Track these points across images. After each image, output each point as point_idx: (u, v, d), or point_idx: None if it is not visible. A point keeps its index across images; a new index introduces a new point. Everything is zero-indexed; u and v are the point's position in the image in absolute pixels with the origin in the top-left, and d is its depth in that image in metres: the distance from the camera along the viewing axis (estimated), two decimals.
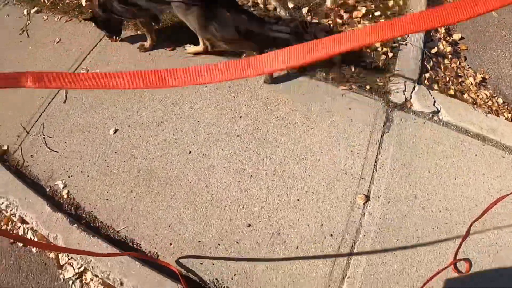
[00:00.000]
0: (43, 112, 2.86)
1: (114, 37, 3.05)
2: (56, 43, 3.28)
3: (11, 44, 3.38)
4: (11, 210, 2.54)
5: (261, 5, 3.07)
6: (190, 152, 2.46)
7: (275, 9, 2.99)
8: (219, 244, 2.14)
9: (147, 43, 2.93)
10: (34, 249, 2.55)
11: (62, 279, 2.39)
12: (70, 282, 2.40)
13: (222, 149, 2.43)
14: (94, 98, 2.80)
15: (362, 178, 2.26)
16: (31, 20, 3.57)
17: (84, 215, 2.39)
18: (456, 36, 3.00)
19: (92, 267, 2.18)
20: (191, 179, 2.34)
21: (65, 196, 2.47)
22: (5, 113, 2.94)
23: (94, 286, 2.33)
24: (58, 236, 2.29)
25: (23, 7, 3.70)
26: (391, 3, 2.99)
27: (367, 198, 2.19)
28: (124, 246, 2.24)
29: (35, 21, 3.55)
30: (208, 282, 2.05)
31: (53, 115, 2.81)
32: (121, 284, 2.10)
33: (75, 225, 2.31)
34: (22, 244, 2.59)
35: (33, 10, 3.66)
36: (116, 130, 2.63)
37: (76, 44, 3.19)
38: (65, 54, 3.14)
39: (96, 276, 2.29)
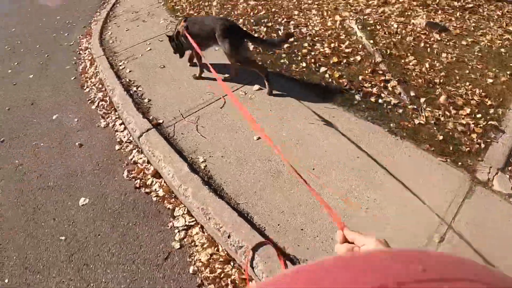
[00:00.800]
0: (201, 109, 3.67)
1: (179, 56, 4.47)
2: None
3: (181, 60, 4.74)
4: (146, 164, 3.46)
5: (390, 88, 3.89)
6: (313, 169, 3.02)
7: (399, 93, 3.80)
8: (317, 236, 2.55)
9: (198, 73, 4.42)
10: (154, 199, 3.04)
11: (170, 227, 2.88)
12: (176, 230, 2.88)
13: (337, 174, 2.97)
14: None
15: (441, 224, 2.65)
16: None
17: (213, 185, 3.01)
18: None
19: (209, 218, 2.62)
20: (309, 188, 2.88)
21: (202, 167, 3.09)
22: (169, 101, 3.82)
23: (198, 239, 2.76)
24: (188, 189, 2.84)
25: None
26: (491, 110, 3.66)
27: (442, 239, 2.55)
28: (240, 216, 2.74)
29: None
30: (300, 261, 2.43)
31: (209, 112, 3.77)
32: (229, 237, 2.51)
33: (206, 186, 2.84)
34: (145, 191, 3.11)
35: None
36: (259, 138, 3.30)
37: None
38: None
39: (203, 231, 2.81)
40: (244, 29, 3.93)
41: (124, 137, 4.00)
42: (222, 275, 2.50)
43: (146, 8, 7.80)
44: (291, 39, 4.64)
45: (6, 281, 2.96)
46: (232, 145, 3.31)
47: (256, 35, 5.04)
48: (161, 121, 3.73)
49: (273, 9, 6.13)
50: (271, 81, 3.91)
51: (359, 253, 0.31)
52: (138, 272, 2.70)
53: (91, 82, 5.45)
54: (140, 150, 3.66)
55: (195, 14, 6.46)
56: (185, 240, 2.82)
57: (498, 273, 0.35)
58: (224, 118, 3.64)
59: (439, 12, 5.96)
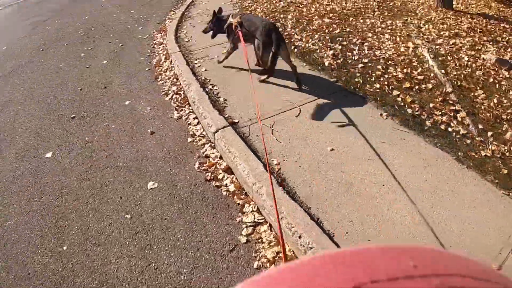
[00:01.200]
0: (277, 115, 3.87)
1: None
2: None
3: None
4: (218, 159, 3.68)
5: (459, 119, 3.93)
6: (383, 185, 3.10)
7: (468, 124, 3.84)
8: None
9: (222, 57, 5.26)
10: (224, 193, 3.20)
11: (238, 221, 3.06)
12: (244, 226, 3.04)
13: (406, 193, 3.02)
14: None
15: (500, 253, 2.64)
16: None
17: (286, 187, 3.17)
18: None
19: (282, 217, 2.74)
20: (377, 203, 2.95)
21: (276, 169, 3.25)
22: (244, 103, 4.04)
23: (265, 236, 2.91)
24: (263, 187, 3.01)
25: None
26: None
27: (500, 268, 2.56)
28: (311, 219, 2.85)
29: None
30: None
31: (284, 119, 3.97)
32: (300, 237, 2.62)
33: (280, 187, 2.97)
34: (215, 184, 3.26)
35: None
36: (332, 149, 3.42)
37: None
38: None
39: (271, 230, 2.95)
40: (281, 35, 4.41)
41: (197, 131, 4.23)
42: None
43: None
44: None
45: (65, 248, 3.21)
46: (306, 152, 3.44)
47: (331, 52, 5.24)
48: (236, 120, 3.93)
49: (347, 29, 6.32)
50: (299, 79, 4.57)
51: (348, 249, 0.32)
52: (202, 259, 2.84)
53: (165, 75, 5.78)
54: (213, 145, 3.86)
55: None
56: (252, 236, 2.95)
57: (489, 269, 0.35)
58: (299, 126, 3.80)
59: (509, 49, 5.98)
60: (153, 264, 2.89)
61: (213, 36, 5.09)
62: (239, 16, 4.65)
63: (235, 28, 4.55)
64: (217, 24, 4.93)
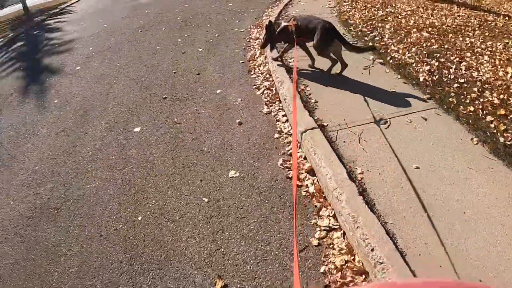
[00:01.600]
0: (365, 124, 3.96)
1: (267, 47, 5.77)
2: (390, 89, 4.71)
3: (355, 73, 5.15)
4: (302, 159, 3.77)
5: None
6: (464, 213, 3.00)
7: None
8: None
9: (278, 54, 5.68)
10: (303, 193, 3.28)
11: (312, 223, 3.14)
12: (318, 229, 3.11)
13: (485, 224, 2.86)
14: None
15: None
16: (374, 65, 5.44)
17: (366, 197, 3.17)
18: None
19: (357, 227, 2.76)
20: (455, 230, 2.85)
21: (359, 178, 3.26)
22: (335, 108, 4.20)
23: (337, 243, 2.96)
24: (343, 194, 3.06)
25: (372, 54, 5.71)
26: None
27: None
28: (387, 234, 2.81)
29: (376, 68, 5.36)
30: None
31: (373, 129, 3.97)
32: (372, 250, 2.64)
33: (360, 196, 2.97)
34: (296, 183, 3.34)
35: (377, 60, 5.54)
36: (417, 167, 3.38)
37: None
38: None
39: (344, 237, 2.97)
40: (338, 31, 4.82)
41: (285, 128, 4.37)
42: (351, 284, 2.63)
43: (318, 15, 8.22)
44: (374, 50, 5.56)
45: (139, 218, 3.48)
46: (390, 166, 3.44)
47: (427, 68, 5.17)
48: (325, 123, 4.00)
49: (445, 45, 6.15)
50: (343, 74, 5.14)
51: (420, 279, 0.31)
52: (271, 254, 2.94)
53: (258, 69, 6.00)
54: (299, 144, 3.95)
55: (368, 31, 6.94)
56: (324, 240, 3.01)
57: None
58: (387, 139, 3.77)
59: None
60: (222, 250, 3.04)
61: (271, 48, 5.74)
62: (293, 18, 5.04)
63: (291, 29, 4.96)
64: (270, 35, 5.39)
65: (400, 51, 5.85)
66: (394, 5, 8.50)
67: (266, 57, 6.05)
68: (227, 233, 3.18)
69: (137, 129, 4.87)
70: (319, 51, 4.99)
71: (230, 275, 2.84)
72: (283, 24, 5.13)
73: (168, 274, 2.93)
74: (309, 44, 5.27)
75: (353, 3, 9.07)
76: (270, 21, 5.36)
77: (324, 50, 4.94)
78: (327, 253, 2.91)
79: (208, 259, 2.99)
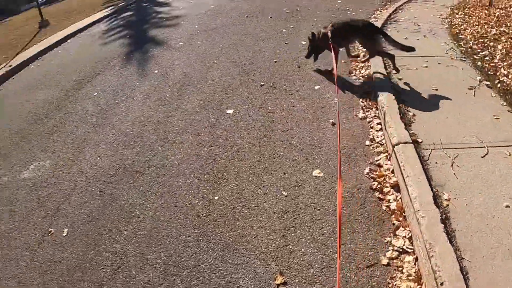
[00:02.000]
0: (462, 148, 3.83)
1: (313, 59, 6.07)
2: (494, 116, 4.42)
3: (458, 92, 4.96)
4: (390, 172, 3.72)
5: None
6: None
7: None
8: None
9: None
10: (384, 208, 3.21)
11: (386, 241, 3.06)
12: (390, 248, 3.00)
13: None
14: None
15: None
16: (480, 86, 5.17)
17: (448, 227, 2.98)
18: None
19: (432, 256, 2.67)
20: None
21: (444, 204, 3.10)
22: (433, 125, 4.23)
23: (406, 267, 2.84)
24: (425, 218, 2.95)
25: (478, 75, 5.44)
26: None
27: None
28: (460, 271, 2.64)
29: (482, 90, 5.06)
30: None
31: (469, 155, 3.73)
32: (441, 284, 2.51)
33: (442, 224, 2.82)
34: (378, 196, 3.26)
35: (484, 82, 5.24)
36: (507, 206, 3.17)
37: None
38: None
39: (415, 263, 2.85)
40: (380, 28, 5.22)
41: (378, 137, 4.29)
42: None
43: (428, 24, 8.09)
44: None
45: (216, 198, 3.61)
46: (479, 199, 3.24)
47: None
48: (420, 140, 3.87)
49: None
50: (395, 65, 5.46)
51: None
52: (337, 262, 2.89)
53: (359, 72, 5.93)
54: (389, 156, 3.87)
55: (478, 49, 6.46)
56: (394, 261, 2.92)
57: None
58: (481, 168, 3.55)
59: None
60: (290, 247, 3.06)
61: (315, 59, 6.04)
62: (331, 24, 5.40)
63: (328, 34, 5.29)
64: (314, 46, 5.75)
65: (510, 76, 5.45)
66: (509, 25, 7.89)
67: (368, 59, 5.93)
68: (298, 232, 3.20)
69: (230, 111, 5.03)
70: (370, 50, 5.54)
71: (292, 274, 2.85)
72: (322, 31, 5.51)
73: (231, 258, 3.01)
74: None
75: (466, 17, 8.56)
76: (312, 33, 5.67)
77: (376, 46, 5.29)
78: (394, 275, 2.81)
79: (274, 253, 3.02)
